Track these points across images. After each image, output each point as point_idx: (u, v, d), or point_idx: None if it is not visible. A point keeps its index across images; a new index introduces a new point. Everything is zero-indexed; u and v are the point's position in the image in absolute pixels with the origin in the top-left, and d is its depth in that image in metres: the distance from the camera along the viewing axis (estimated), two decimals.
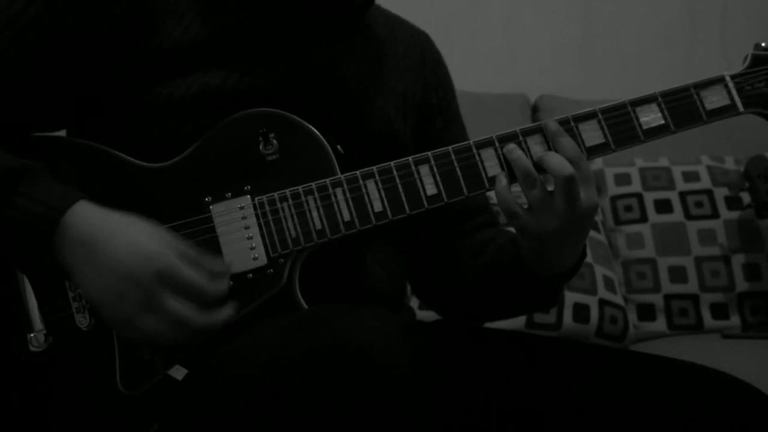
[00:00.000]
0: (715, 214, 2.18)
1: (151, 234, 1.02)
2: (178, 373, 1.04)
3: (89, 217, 1.02)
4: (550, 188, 1.06)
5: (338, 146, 1.11)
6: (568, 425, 1.10)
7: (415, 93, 1.28)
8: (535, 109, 2.49)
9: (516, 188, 1.09)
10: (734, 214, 2.19)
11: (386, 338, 0.88)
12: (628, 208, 2.20)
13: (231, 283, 1.05)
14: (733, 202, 2.20)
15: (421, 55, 1.31)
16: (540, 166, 1.07)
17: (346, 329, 0.89)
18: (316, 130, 1.08)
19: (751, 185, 2.08)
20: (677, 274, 2.14)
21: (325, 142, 1.08)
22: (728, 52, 2.77)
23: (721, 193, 2.21)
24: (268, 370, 0.87)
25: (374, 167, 1.08)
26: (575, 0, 2.72)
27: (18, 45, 1.07)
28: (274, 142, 1.08)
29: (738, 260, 2.15)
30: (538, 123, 1.11)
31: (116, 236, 1.00)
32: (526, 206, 1.08)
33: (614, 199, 2.22)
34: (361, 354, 0.85)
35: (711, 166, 2.26)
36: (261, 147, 1.08)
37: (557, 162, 1.05)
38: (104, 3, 1.09)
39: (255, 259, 1.07)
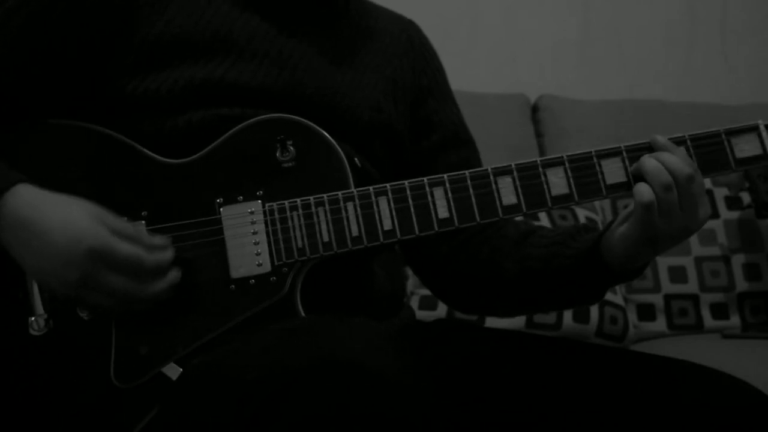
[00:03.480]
0: (715, 214, 2.19)
1: (85, 213, 1.01)
2: (173, 371, 1.04)
3: (29, 200, 1.02)
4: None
5: (355, 159, 1.11)
6: (568, 425, 1.10)
7: (404, 77, 1.28)
8: (534, 109, 2.49)
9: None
10: (734, 214, 2.19)
11: (375, 351, 0.89)
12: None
13: (172, 254, 1.04)
14: (733, 202, 2.20)
15: (408, 40, 1.32)
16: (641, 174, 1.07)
17: (336, 342, 0.89)
18: (334, 142, 1.08)
19: (751, 185, 2.08)
20: (677, 274, 2.14)
21: (342, 155, 1.08)
22: (728, 51, 2.77)
23: (721, 193, 2.21)
24: (257, 382, 0.87)
25: (388, 185, 1.08)
26: (575, 0, 2.72)
27: (1, 38, 1.08)
28: (291, 149, 1.08)
29: (738, 260, 2.15)
30: (560, 155, 1.09)
31: (51, 218, 1.01)
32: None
33: (614, 200, 2.22)
34: (350, 367, 0.85)
35: None
36: (278, 153, 1.08)
37: (678, 161, 1.05)
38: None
39: (259, 265, 1.07)
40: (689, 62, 2.75)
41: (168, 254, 1.04)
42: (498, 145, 2.16)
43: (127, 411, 1.04)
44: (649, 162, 1.06)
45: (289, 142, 1.08)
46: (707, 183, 2.21)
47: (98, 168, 1.10)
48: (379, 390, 0.84)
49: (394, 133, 1.23)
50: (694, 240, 2.16)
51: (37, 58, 1.09)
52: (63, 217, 1.01)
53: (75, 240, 0.99)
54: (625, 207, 2.22)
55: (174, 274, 1.04)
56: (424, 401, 0.88)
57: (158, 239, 1.04)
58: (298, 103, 1.11)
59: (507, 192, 1.08)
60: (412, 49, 1.32)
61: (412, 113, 1.29)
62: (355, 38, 1.24)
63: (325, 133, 1.09)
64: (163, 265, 1.03)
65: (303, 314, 1.06)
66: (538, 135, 2.42)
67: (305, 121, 1.09)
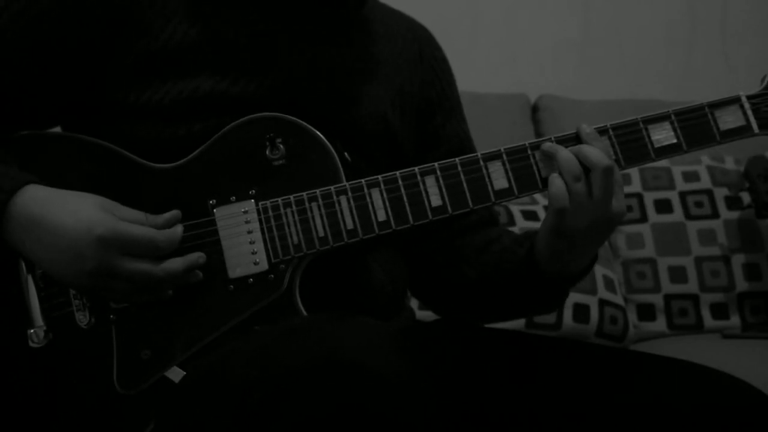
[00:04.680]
0: (715, 214, 2.18)
1: (93, 204, 1.03)
2: (175, 375, 1.05)
3: (38, 198, 1.03)
4: None
5: (345, 153, 1.11)
6: (568, 425, 1.10)
7: (413, 89, 1.27)
8: (535, 109, 2.49)
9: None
10: (734, 214, 2.19)
11: (375, 349, 0.89)
12: (628, 208, 2.20)
13: (182, 229, 1.05)
14: (733, 202, 2.20)
15: (419, 50, 1.31)
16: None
17: (336, 341, 0.89)
18: (323, 137, 1.08)
19: (751, 185, 2.08)
20: (677, 274, 2.14)
21: (332, 149, 1.08)
22: (728, 51, 2.77)
23: (721, 193, 2.21)
24: (258, 382, 0.87)
25: (380, 176, 1.08)
26: (575, 0, 2.72)
27: (0, 42, 1.08)
28: (281, 147, 1.08)
29: (738, 260, 2.15)
30: (548, 137, 1.09)
31: (61, 212, 1.02)
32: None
33: None
34: (350, 366, 0.85)
35: (711, 166, 2.26)
36: (267, 152, 1.08)
37: (597, 153, 1.05)
38: (87, 2, 1.09)
39: (256, 264, 1.07)
40: (689, 62, 2.75)
41: (179, 229, 1.05)
42: (498, 145, 2.15)
43: (132, 417, 1.04)
44: (561, 153, 1.06)
45: (279, 140, 1.08)
46: (707, 183, 2.22)
47: (89, 178, 1.10)
48: (379, 390, 0.84)
49: (397, 143, 1.23)
50: (694, 240, 2.16)
51: (35, 62, 1.09)
52: (73, 211, 1.02)
53: (85, 230, 1.00)
54: (626, 207, 2.23)
55: (197, 255, 1.05)
56: (424, 401, 0.88)
57: (166, 215, 1.06)
58: (303, 114, 1.10)
59: (498, 176, 1.09)
60: (422, 61, 1.30)
61: (419, 125, 1.28)
62: (366, 46, 1.23)
63: (314, 130, 1.08)
64: (176, 239, 1.04)
65: (303, 311, 1.06)
66: (539, 135, 2.42)
67: (293, 118, 1.08)
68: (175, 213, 1.06)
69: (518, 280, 1.18)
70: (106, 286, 1.03)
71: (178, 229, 1.05)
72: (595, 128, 1.09)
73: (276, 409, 0.84)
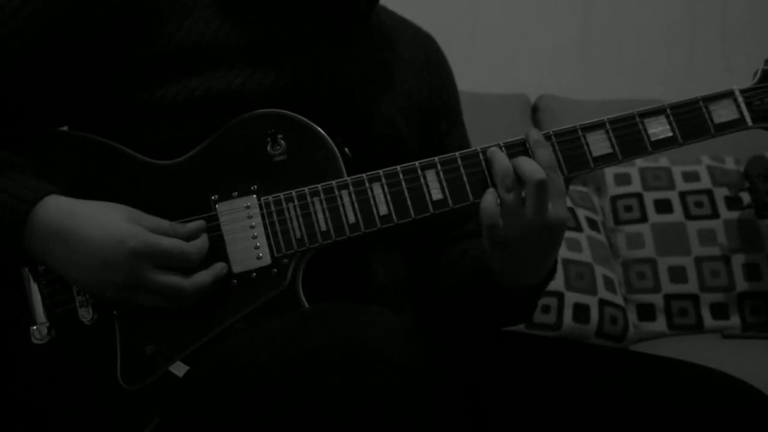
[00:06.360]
0: (715, 214, 2.19)
1: (121, 216, 1.03)
2: (179, 369, 1.05)
3: (60, 209, 1.03)
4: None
5: (346, 149, 1.11)
6: (568, 425, 1.10)
7: (420, 95, 1.28)
8: (535, 109, 2.49)
9: None
10: (734, 214, 2.19)
11: (388, 337, 0.89)
12: (628, 208, 2.20)
13: (207, 240, 1.07)
14: (733, 202, 2.20)
15: (425, 58, 1.31)
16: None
17: (348, 328, 0.89)
18: (324, 132, 1.09)
19: (751, 185, 2.08)
20: (677, 274, 2.14)
21: (333, 145, 1.09)
22: (728, 52, 2.77)
23: (721, 193, 2.21)
24: (267, 368, 0.88)
25: (381, 171, 1.09)
26: (575, 0, 2.72)
27: (16, 40, 1.08)
28: (282, 143, 1.09)
29: (738, 260, 2.15)
30: (548, 131, 1.10)
31: (87, 224, 1.02)
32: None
33: (614, 199, 2.22)
34: (362, 353, 0.85)
35: (711, 166, 2.26)
36: (269, 147, 1.09)
37: (530, 166, 1.05)
38: (106, 1, 1.09)
39: (259, 258, 1.07)
40: (689, 63, 2.76)
41: (205, 240, 1.06)
42: None
43: (135, 414, 1.05)
44: (497, 164, 1.06)
45: (280, 136, 1.09)
46: (707, 183, 2.22)
47: (89, 175, 1.11)
48: (391, 377, 0.85)
49: (404, 151, 1.23)
50: (694, 240, 2.16)
51: (49, 61, 1.09)
52: (102, 223, 1.02)
53: (117, 243, 1.01)
54: (626, 207, 2.24)
55: (220, 266, 1.06)
56: (432, 392, 0.88)
57: (191, 225, 1.06)
58: (313, 115, 1.11)
59: None
60: (428, 68, 1.31)
61: (424, 132, 1.28)
62: (374, 51, 1.24)
63: (315, 125, 1.09)
64: (204, 251, 1.05)
65: (306, 305, 1.07)
66: None
67: (294, 114, 1.09)
68: (199, 224, 1.07)
69: (483, 290, 1.18)
70: (134, 298, 1.03)
71: (205, 239, 1.06)
72: (592, 122, 1.10)
73: (285, 395, 0.85)
